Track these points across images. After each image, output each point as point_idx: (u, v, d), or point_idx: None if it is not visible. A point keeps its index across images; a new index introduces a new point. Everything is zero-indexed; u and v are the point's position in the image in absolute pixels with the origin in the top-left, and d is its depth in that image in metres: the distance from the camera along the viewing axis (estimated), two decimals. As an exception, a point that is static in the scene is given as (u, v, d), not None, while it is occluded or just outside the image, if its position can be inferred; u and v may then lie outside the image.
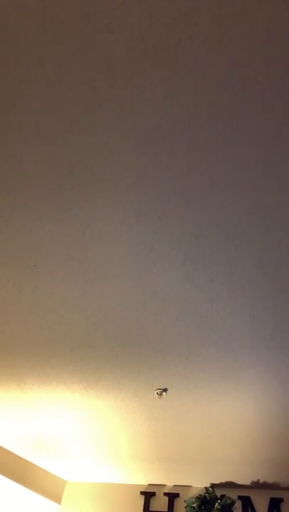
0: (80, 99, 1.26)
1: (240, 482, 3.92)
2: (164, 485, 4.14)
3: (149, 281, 1.86)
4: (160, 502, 4.03)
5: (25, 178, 1.49)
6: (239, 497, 3.88)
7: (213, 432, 3.09)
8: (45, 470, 4.11)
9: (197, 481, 3.98)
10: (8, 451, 3.75)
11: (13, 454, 3.79)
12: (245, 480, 3.87)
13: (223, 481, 3.93)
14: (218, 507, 3.62)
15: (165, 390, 2.64)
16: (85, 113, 1.29)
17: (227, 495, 3.76)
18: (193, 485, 4.07)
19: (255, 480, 3.84)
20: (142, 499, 4.07)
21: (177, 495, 4.03)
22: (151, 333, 2.17)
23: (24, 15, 1.10)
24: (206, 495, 3.74)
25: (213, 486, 3.92)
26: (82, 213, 1.60)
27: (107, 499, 4.15)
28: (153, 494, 4.09)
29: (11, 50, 1.17)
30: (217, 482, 3.96)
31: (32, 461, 3.94)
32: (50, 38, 1.14)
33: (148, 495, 4.08)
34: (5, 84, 1.25)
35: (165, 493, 4.06)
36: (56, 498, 4.15)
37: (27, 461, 3.91)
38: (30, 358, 2.45)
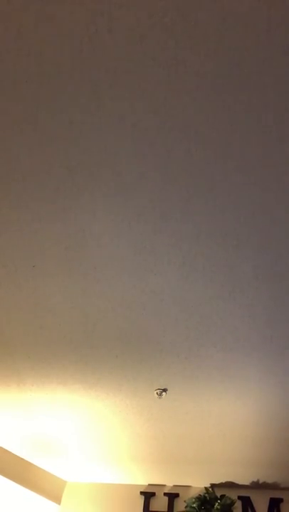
0: (80, 99, 1.26)
1: (240, 482, 3.92)
2: (164, 485, 4.14)
3: (149, 281, 1.86)
4: (160, 502, 4.03)
5: (25, 179, 1.49)
6: (239, 497, 3.87)
7: (213, 432, 3.09)
8: (44, 470, 4.10)
9: (197, 481, 3.98)
10: (8, 451, 3.75)
11: (13, 454, 3.79)
12: (245, 480, 3.87)
13: (223, 481, 3.93)
14: (218, 507, 3.62)
15: (165, 390, 2.64)
16: (85, 113, 1.29)
17: (227, 495, 3.76)
18: (193, 485, 4.07)
19: (255, 480, 3.84)
20: (141, 499, 4.07)
21: (177, 495, 4.03)
22: (151, 333, 2.17)
23: (24, 15, 1.10)
24: (206, 495, 3.74)
25: (213, 486, 3.92)
26: (82, 213, 1.60)
27: (107, 499, 4.14)
28: (153, 494, 4.08)
29: (11, 50, 1.17)
30: (217, 482, 3.96)
31: (32, 462, 3.94)
32: (50, 38, 1.14)
33: (148, 495, 4.08)
34: (4, 85, 1.25)
35: (165, 494, 4.06)
36: (56, 498, 4.15)
37: (27, 462, 3.90)
38: (29, 358, 2.45)
